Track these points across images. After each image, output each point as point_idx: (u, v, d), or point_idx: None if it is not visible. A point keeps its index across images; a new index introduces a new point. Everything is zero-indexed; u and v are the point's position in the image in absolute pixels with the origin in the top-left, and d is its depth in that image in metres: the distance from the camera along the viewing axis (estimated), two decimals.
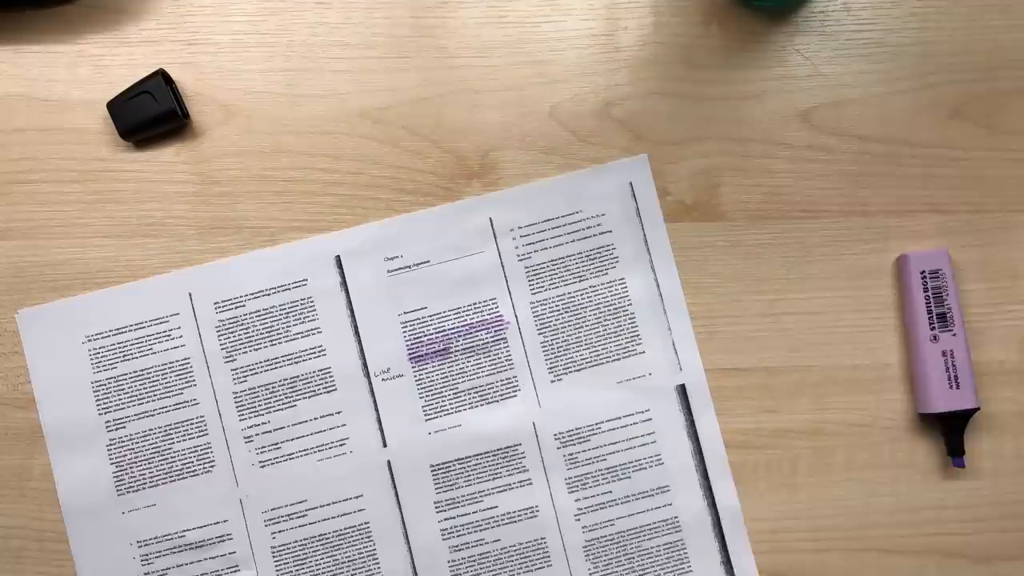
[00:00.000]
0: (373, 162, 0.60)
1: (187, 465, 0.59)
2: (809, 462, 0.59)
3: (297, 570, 0.58)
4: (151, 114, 0.59)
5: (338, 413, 0.59)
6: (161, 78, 0.59)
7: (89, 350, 0.59)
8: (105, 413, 0.59)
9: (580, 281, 0.60)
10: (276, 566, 0.58)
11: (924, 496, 0.59)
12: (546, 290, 0.60)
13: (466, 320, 0.60)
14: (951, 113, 0.60)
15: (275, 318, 0.59)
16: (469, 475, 0.59)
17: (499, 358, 0.59)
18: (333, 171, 0.60)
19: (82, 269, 0.60)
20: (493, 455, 0.59)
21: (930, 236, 0.60)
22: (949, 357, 0.57)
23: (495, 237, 0.60)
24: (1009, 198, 0.60)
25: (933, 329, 0.57)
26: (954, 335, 0.57)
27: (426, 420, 0.59)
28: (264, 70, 0.61)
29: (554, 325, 0.60)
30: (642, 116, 0.60)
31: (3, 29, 0.61)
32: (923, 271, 0.58)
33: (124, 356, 0.59)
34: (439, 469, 0.59)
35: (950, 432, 0.57)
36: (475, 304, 0.60)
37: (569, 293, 0.60)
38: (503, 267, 0.60)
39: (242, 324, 0.59)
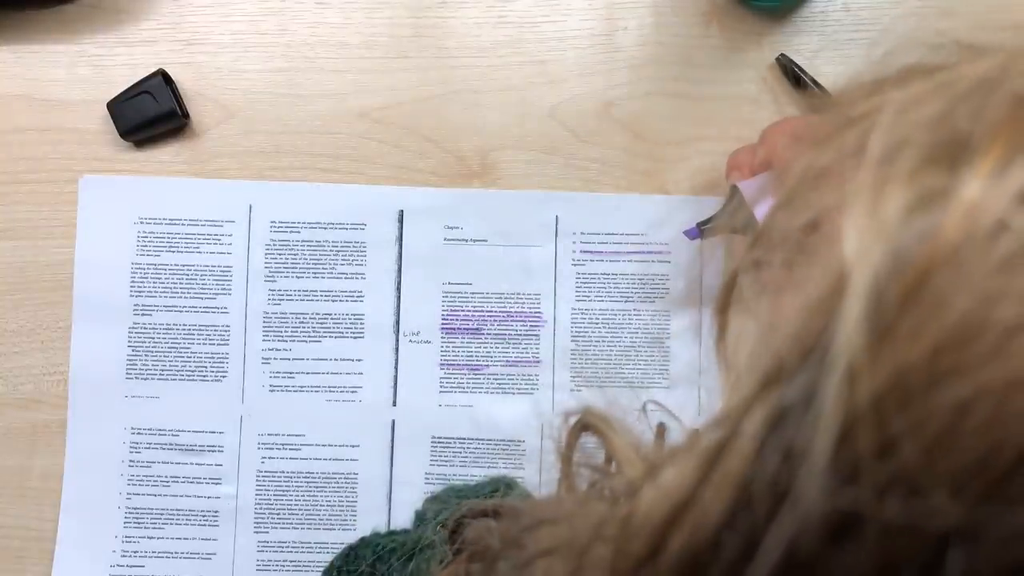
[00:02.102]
0: (373, 162, 0.60)
1: (200, 369, 0.59)
2: None
3: (276, 499, 0.59)
4: (151, 114, 0.58)
5: (358, 360, 0.59)
6: (161, 78, 0.59)
7: (138, 232, 0.60)
8: (136, 297, 0.59)
9: (626, 302, 0.60)
10: (256, 490, 0.59)
11: None
12: (591, 300, 0.60)
13: (506, 307, 0.60)
14: None
15: (325, 252, 0.60)
16: (466, 456, 0.59)
17: (527, 353, 0.60)
18: (333, 171, 0.60)
19: None
20: (495, 444, 0.59)
21: None
22: None
23: (556, 235, 0.60)
24: None
25: None
26: None
27: (440, 392, 0.59)
28: (264, 70, 0.60)
29: (589, 336, 0.60)
30: (642, 116, 0.60)
31: (3, 29, 0.60)
32: None
33: (170, 247, 0.60)
34: (439, 442, 0.59)
35: None
36: (519, 294, 0.60)
37: (612, 310, 0.60)
38: (556, 267, 0.60)
39: (292, 249, 0.60)
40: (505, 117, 0.60)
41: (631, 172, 0.60)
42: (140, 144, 0.60)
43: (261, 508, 0.59)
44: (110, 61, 0.60)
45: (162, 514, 0.58)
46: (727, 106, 0.60)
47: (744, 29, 0.60)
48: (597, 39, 0.61)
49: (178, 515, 0.58)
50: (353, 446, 0.59)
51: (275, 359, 0.59)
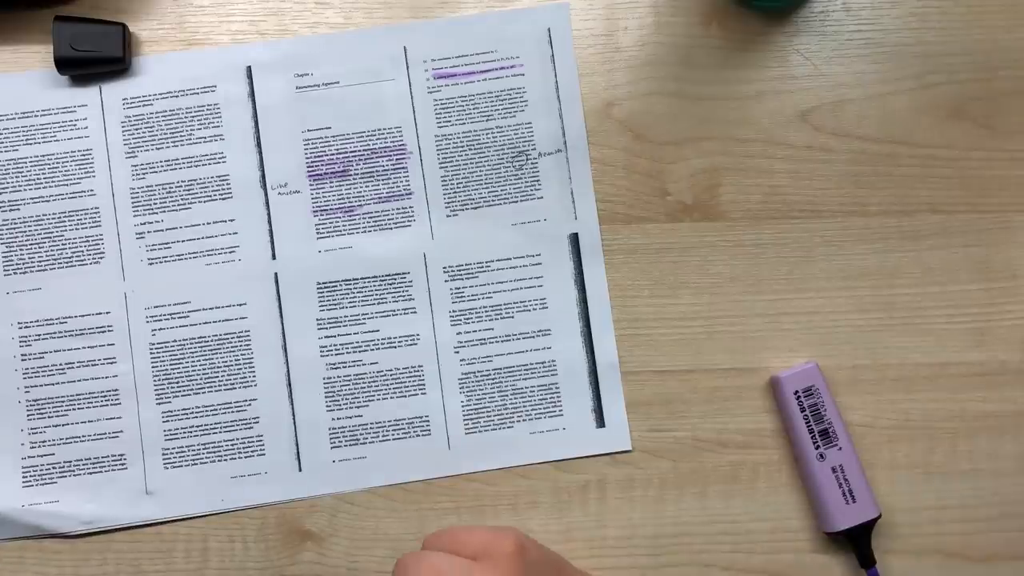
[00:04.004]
0: None
1: (76, 253, 0.59)
2: None
3: (173, 369, 0.59)
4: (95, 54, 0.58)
5: (231, 221, 0.59)
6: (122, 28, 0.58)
7: None
8: (1, 194, 0.59)
9: (487, 120, 0.60)
10: (152, 363, 0.59)
11: (923, 496, 0.58)
12: (452, 125, 0.60)
13: (369, 145, 0.60)
14: (951, 113, 0.60)
15: (180, 120, 0.60)
16: (354, 297, 0.59)
17: (397, 187, 0.60)
18: None
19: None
20: (380, 280, 0.59)
21: (930, 236, 0.59)
22: (840, 472, 0.56)
23: (407, 66, 0.60)
24: (1009, 198, 0.59)
25: (818, 448, 0.57)
26: (840, 449, 0.56)
27: (318, 238, 0.59)
28: None
29: (456, 160, 0.60)
30: (642, 116, 0.60)
31: (3, 29, 0.60)
32: (796, 391, 0.57)
33: (27, 140, 0.60)
34: (325, 287, 0.59)
35: (859, 545, 0.57)
36: (379, 130, 0.60)
37: (475, 131, 0.60)
38: (412, 97, 0.60)
39: (147, 122, 0.60)
40: None
41: (631, 172, 0.60)
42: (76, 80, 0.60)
43: (159, 380, 0.59)
44: None
45: (63, 401, 0.59)
46: (727, 106, 0.60)
47: (744, 29, 0.60)
48: (597, 39, 0.60)
49: (79, 399, 0.59)
50: (240, 304, 0.59)
51: (149, 232, 0.59)
